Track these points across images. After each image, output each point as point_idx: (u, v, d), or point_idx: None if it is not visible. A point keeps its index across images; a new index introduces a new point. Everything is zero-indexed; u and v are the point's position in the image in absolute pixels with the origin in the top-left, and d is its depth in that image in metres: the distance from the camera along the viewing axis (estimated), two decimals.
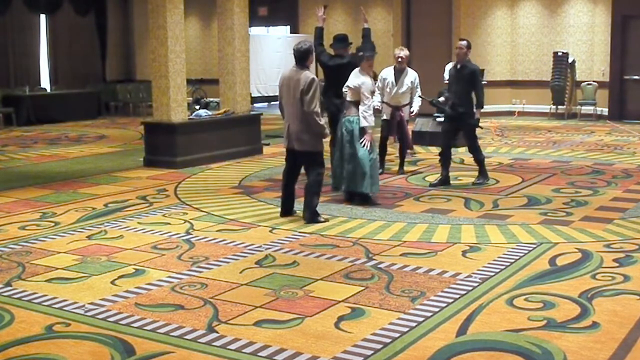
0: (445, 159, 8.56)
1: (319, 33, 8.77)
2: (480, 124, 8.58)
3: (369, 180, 7.43)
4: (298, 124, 6.77)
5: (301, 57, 6.81)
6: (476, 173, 8.72)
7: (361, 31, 8.94)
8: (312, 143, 6.82)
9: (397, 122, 9.22)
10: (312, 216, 6.85)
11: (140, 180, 9.26)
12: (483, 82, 13.56)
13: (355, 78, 7.50)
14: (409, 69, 9.34)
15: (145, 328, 4.23)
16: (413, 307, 4.53)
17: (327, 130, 7.05)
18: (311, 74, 6.79)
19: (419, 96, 9.25)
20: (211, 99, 15.04)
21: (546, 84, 16.83)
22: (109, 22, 21.01)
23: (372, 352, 3.86)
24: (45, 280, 5.17)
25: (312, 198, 6.88)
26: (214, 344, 3.99)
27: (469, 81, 8.38)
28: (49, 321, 4.36)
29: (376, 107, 9.00)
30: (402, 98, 9.21)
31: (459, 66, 8.48)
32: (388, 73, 9.23)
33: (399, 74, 9.22)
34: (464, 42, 8.56)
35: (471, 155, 8.76)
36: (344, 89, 7.77)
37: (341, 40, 8.67)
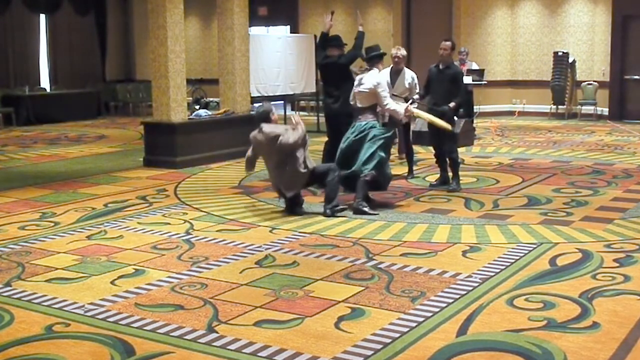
0: (441, 161, 8.53)
1: (324, 37, 8.82)
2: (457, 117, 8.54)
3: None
4: (277, 172, 7.09)
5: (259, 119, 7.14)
6: (475, 173, 8.70)
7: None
8: (299, 185, 7.08)
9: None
10: (332, 211, 7.02)
11: (140, 180, 9.26)
12: (483, 82, 13.64)
13: (371, 78, 7.39)
14: (406, 69, 9.24)
15: (145, 328, 4.23)
16: (413, 307, 4.53)
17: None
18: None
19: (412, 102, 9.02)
20: (211, 99, 15.04)
21: (546, 83, 16.83)
22: (108, 22, 21.00)
23: (372, 352, 3.85)
24: (45, 281, 5.16)
25: (333, 193, 7.08)
26: (214, 344, 3.99)
27: (452, 83, 8.26)
28: (49, 321, 4.36)
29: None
30: (398, 100, 9.11)
31: (441, 67, 8.36)
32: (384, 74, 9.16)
33: (395, 75, 9.14)
34: (448, 43, 8.39)
35: (448, 156, 8.45)
36: (351, 97, 7.73)
37: (331, 40, 8.72)
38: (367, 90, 7.37)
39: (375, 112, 7.44)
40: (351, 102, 7.71)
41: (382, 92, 7.32)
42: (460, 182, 8.42)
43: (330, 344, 3.96)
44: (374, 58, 7.60)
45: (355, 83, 7.64)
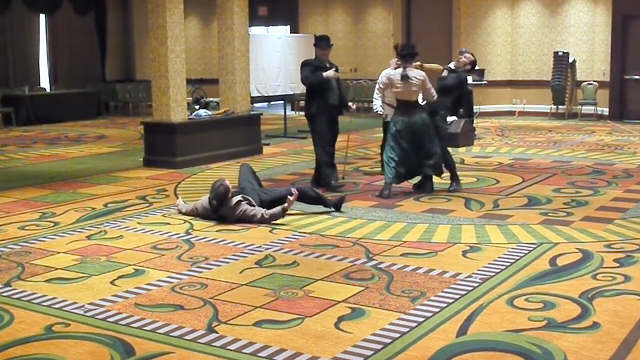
0: None
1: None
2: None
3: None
4: None
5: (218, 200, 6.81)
6: (475, 173, 8.69)
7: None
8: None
9: None
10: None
11: (139, 180, 9.26)
12: (483, 82, 13.61)
13: (416, 73, 7.90)
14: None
15: (145, 328, 4.23)
16: (413, 307, 4.52)
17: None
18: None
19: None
20: (211, 99, 15.03)
21: (547, 83, 16.83)
22: (108, 22, 20.99)
23: (372, 352, 3.85)
24: (45, 281, 5.16)
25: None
26: (213, 344, 3.98)
27: (450, 85, 8.31)
28: (49, 321, 4.35)
29: (379, 112, 8.99)
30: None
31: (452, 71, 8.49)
32: (392, 73, 9.14)
33: None
34: (468, 55, 8.56)
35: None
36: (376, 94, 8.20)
37: (317, 39, 8.75)
38: (417, 87, 7.88)
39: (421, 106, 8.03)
40: (381, 107, 8.27)
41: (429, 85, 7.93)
42: (461, 181, 8.41)
43: (330, 344, 3.95)
44: (408, 56, 7.94)
45: (384, 80, 8.17)
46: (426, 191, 8.17)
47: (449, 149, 8.53)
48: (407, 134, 7.87)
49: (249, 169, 7.61)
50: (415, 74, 7.87)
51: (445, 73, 8.45)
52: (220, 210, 6.81)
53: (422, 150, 7.90)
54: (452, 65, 8.54)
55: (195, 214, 7.08)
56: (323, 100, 8.48)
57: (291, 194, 7.11)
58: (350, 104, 8.85)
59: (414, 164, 7.95)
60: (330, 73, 8.44)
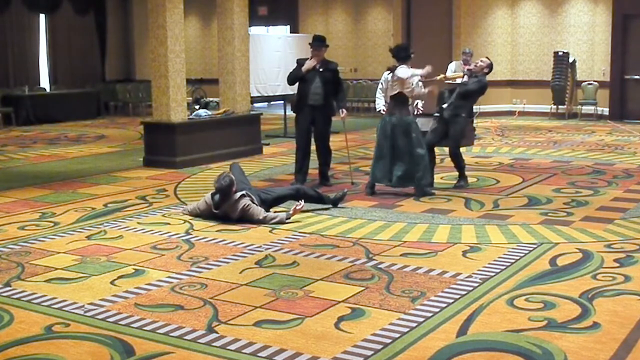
0: (429, 160, 8.48)
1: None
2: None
3: (423, 174, 7.95)
4: None
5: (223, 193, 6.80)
6: (475, 173, 8.70)
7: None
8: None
9: None
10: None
11: (139, 180, 9.25)
12: None
13: (406, 71, 7.83)
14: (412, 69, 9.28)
15: (144, 328, 4.22)
16: (413, 307, 4.52)
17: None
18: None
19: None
20: (211, 99, 15.02)
21: (547, 83, 16.83)
22: (108, 22, 20.99)
23: (372, 352, 3.84)
24: (45, 281, 5.15)
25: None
26: (213, 344, 3.98)
27: (466, 91, 8.38)
28: (49, 321, 4.35)
29: (382, 111, 8.97)
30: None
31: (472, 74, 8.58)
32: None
33: None
34: (485, 59, 8.57)
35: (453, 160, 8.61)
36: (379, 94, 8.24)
37: (313, 39, 8.77)
38: (403, 77, 7.80)
39: (408, 106, 8.01)
40: (384, 105, 8.17)
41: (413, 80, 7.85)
42: (471, 180, 8.42)
43: (330, 344, 3.95)
44: (406, 58, 7.94)
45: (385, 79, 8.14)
46: (418, 195, 8.07)
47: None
48: (387, 131, 7.93)
49: (241, 170, 7.60)
50: (400, 72, 7.83)
51: (466, 78, 8.47)
52: (222, 205, 6.80)
53: (397, 151, 7.89)
54: (453, 65, 8.58)
55: (197, 213, 7.07)
56: (303, 99, 8.55)
57: (293, 195, 7.12)
58: (340, 111, 8.79)
59: (388, 163, 7.93)
60: (307, 64, 8.53)
